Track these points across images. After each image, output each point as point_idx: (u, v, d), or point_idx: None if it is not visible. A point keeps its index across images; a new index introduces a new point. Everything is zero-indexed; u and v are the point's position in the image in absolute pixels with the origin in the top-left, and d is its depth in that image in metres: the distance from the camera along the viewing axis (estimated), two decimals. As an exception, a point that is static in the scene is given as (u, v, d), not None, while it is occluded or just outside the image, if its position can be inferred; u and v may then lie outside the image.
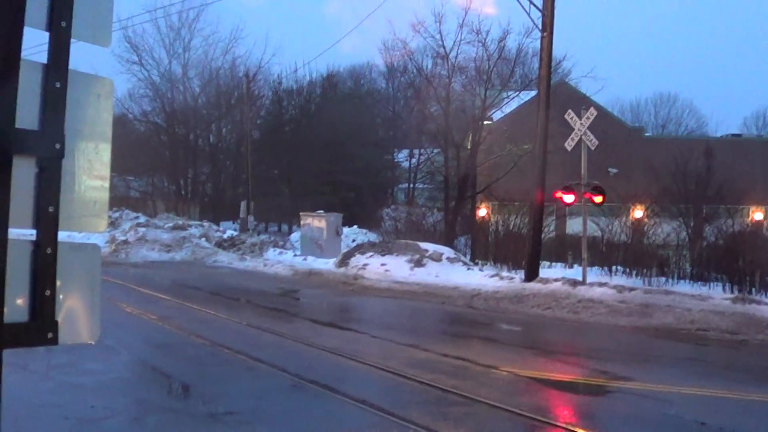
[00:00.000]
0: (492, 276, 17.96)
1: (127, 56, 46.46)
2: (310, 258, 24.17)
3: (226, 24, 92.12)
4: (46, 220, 1.68)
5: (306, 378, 7.85)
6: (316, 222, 25.97)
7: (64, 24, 1.71)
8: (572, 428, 6.28)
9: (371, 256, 20.90)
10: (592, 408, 7.34)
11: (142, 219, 31.78)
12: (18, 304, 1.61)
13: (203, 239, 29.45)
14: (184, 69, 48.31)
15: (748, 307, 13.16)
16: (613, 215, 21.88)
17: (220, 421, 6.33)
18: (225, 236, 30.97)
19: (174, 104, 48.40)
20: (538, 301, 14.85)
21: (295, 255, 25.60)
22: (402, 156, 49.44)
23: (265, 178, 44.45)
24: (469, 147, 29.01)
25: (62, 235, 1.72)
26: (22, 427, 5.69)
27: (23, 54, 1.62)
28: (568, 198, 16.09)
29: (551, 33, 16.99)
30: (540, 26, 17.14)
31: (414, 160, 47.49)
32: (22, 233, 1.66)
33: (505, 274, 18.27)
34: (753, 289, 15.29)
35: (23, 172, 1.63)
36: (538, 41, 17.64)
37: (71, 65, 1.75)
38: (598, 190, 15.96)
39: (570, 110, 16.58)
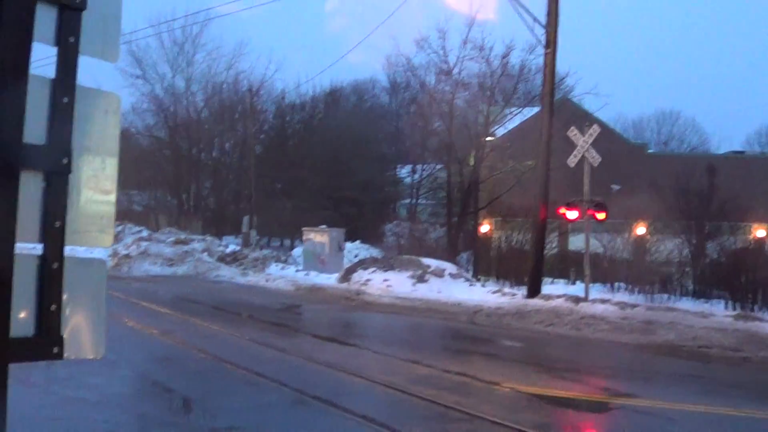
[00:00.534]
0: (494, 292, 17.95)
1: (131, 70, 46.58)
2: (312, 273, 24.17)
3: (229, 39, 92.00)
4: (53, 235, 1.68)
5: (308, 393, 7.82)
6: (318, 237, 25.97)
7: (72, 39, 1.72)
8: (575, 446, 6.25)
9: (374, 271, 20.89)
10: (595, 425, 7.31)
11: (145, 233, 31.82)
12: (24, 319, 1.61)
13: (205, 254, 29.42)
14: (188, 83, 48.39)
15: (751, 325, 13.14)
16: (616, 232, 21.84)
17: (222, 437, 6.31)
18: (227, 251, 30.94)
19: (177, 118, 48.42)
20: (541, 318, 14.82)
21: (298, 270, 25.60)
22: (405, 171, 49.39)
23: (267, 192, 44.48)
24: (471, 163, 29.06)
25: (66, 250, 1.72)
26: (23, 441, 5.68)
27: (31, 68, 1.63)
28: (572, 214, 16.10)
29: (555, 49, 17.07)
30: (544, 42, 17.21)
31: (417, 176, 47.46)
32: (28, 248, 1.66)
33: (507, 290, 18.26)
34: (755, 307, 15.28)
35: (30, 187, 1.63)
36: (542, 57, 17.77)
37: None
38: (600, 207, 15.97)
39: (573, 127, 16.63)
